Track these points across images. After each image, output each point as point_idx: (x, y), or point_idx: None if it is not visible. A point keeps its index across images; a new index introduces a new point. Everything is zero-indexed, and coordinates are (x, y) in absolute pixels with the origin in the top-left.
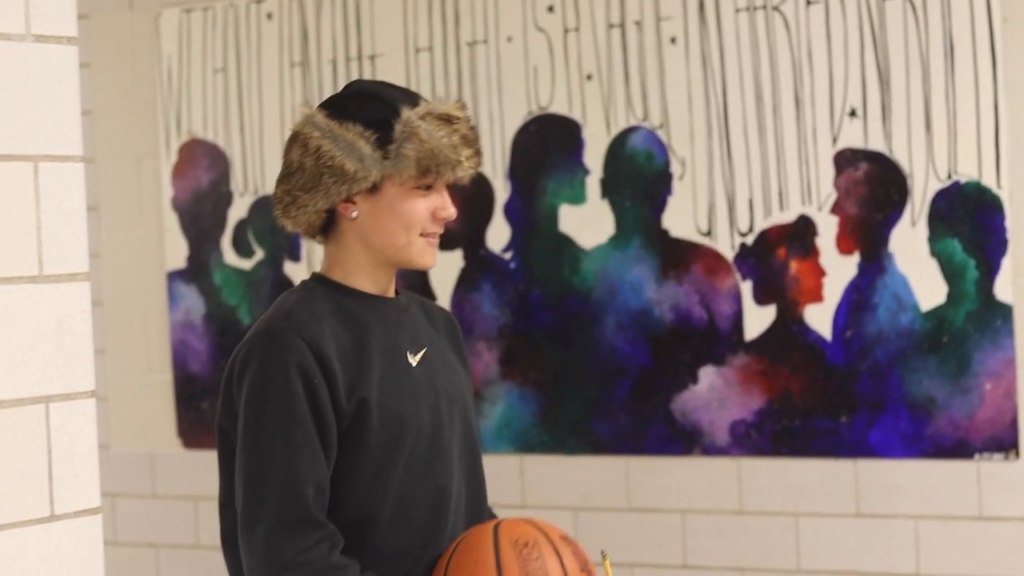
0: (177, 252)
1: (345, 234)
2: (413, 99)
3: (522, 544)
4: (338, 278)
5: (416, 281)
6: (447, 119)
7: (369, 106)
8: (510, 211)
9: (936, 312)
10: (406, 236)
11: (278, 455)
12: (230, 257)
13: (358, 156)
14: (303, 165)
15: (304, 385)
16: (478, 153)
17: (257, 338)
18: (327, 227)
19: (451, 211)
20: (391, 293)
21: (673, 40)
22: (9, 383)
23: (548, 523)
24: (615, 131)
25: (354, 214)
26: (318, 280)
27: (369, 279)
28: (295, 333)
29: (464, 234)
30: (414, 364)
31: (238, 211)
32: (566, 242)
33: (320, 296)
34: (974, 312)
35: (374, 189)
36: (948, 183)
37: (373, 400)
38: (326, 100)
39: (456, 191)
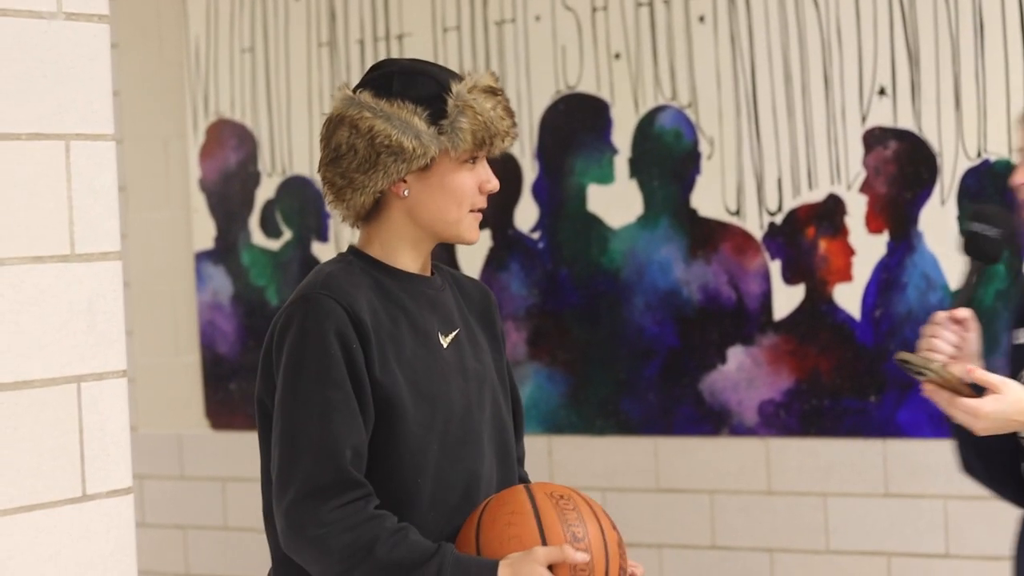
0: (205, 233)
1: (392, 213)
2: (455, 74)
3: (558, 496)
4: (376, 255)
5: (445, 260)
6: (492, 91)
7: (418, 83)
8: (538, 191)
9: None
10: (458, 211)
11: (315, 417)
12: (258, 237)
13: (414, 133)
14: (355, 147)
15: (342, 349)
16: (516, 124)
17: (295, 305)
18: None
19: (495, 183)
20: (427, 271)
21: (702, 19)
22: (40, 362)
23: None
24: (643, 110)
25: (406, 192)
26: (355, 254)
27: (410, 256)
28: (332, 298)
29: (492, 214)
30: (445, 346)
31: (266, 191)
32: (594, 222)
33: (357, 269)
34: (1004, 291)
35: (427, 166)
36: (978, 161)
37: (404, 377)
38: (364, 80)
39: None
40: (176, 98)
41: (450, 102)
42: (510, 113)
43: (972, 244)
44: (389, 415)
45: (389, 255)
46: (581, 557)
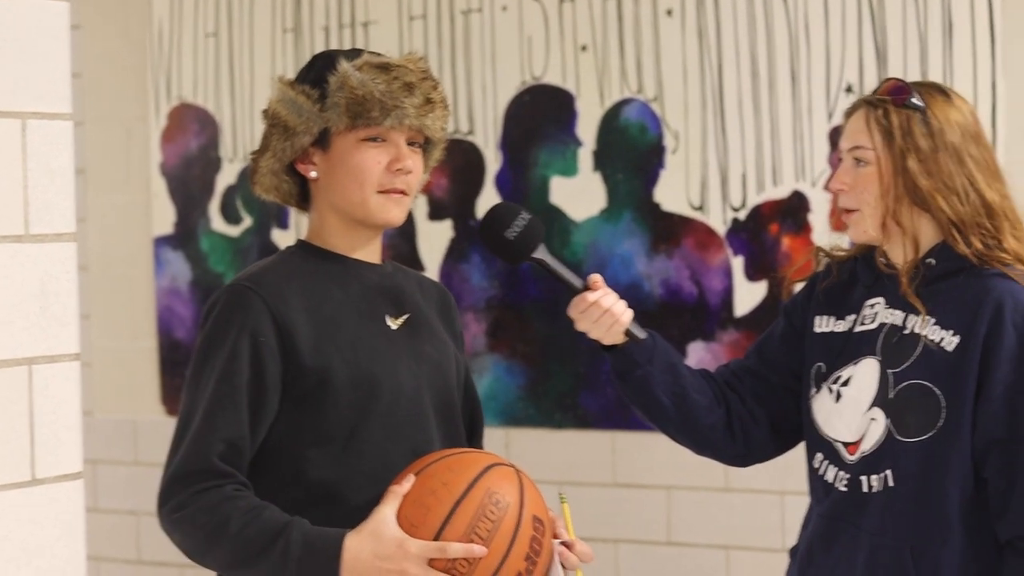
0: (164, 217)
1: (316, 198)
2: (358, 54)
3: (494, 499)
4: (318, 243)
5: (405, 251)
6: (384, 67)
7: (314, 66)
8: (501, 182)
9: None
10: (360, 191)
11: (201, 406)
12: (217, 223)
13: (298, 111)
14: (264, 133)
15: (250, 344)
16: (431, 102)
17: (220, 293)
18: (305, 194)
19: (407, 162)
20: (375, 259)
21: (669, 12)
22: None
23: (540, 497)
24: (609, 103)
25: (313, 173)
26: (300, 245)
27: (346, 242)
28: (255, 291)
29: (454, 204)
30: (394, 328)
31: (226, 177)
32: (557, 214)
33: (297, 259)
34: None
35: (325, 145)
36: None
37: (341, 359)
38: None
39: (446, 161)
40: (138, 81)
41: (332, 80)
42: (411, 89)
43: (521, 244)
44: (321, 398)
45: (327, 241)
46: (456, 551)
